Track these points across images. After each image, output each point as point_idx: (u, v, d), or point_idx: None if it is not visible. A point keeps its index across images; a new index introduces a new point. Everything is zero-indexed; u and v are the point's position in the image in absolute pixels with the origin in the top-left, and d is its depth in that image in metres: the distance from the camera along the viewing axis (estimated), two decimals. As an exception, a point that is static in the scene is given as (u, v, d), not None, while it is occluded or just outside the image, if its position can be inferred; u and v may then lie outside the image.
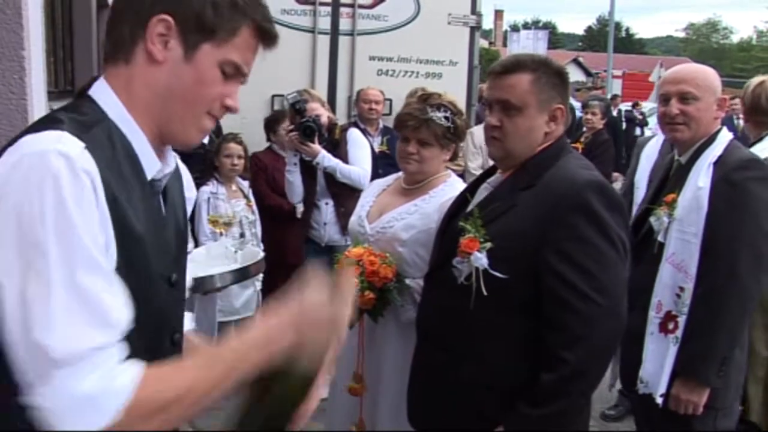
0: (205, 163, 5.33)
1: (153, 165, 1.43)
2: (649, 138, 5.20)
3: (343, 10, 6.99)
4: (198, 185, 5.19)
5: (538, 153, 2.40)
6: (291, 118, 4.81)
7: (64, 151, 1.21)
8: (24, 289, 1.16)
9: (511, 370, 2.32)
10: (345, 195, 4.88)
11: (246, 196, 5.29)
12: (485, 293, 2.26)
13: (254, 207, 5.29)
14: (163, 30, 1.36)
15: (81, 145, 1.25)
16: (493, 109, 2.41)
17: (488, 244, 2.27)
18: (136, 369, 1.21)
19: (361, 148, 5.09)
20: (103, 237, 1.24)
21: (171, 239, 1.52)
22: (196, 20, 1.37)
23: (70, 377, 1.15)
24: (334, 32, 6.97)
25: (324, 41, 6.96)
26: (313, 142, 4.65)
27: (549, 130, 2.40)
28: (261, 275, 5.17)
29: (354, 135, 5.15)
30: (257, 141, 5.85)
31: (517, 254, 2.27)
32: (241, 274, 3.44)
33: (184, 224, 1.65)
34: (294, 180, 4.86)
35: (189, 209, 1.75)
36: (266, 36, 1.45)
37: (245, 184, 5.35)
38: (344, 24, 7.00)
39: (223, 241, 3.78)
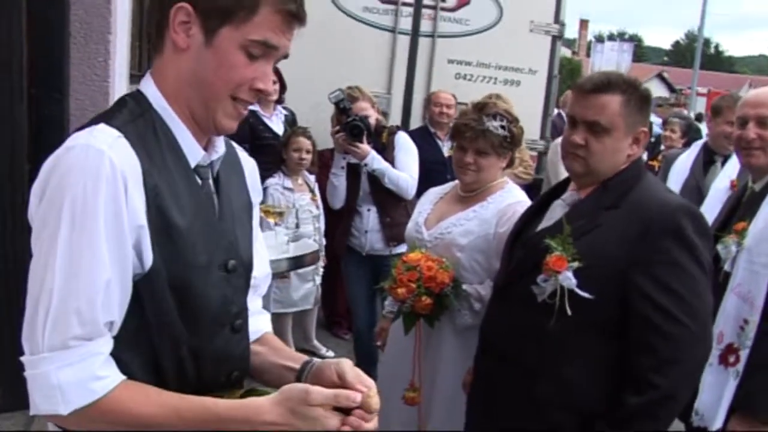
0: (274, 154, 5.40)
1: (196, 153, 1.47)
2: (679, 153, 5.03)
3: (425, 11, 6.96)
4: (266, 176, 5.28)
5: (618, 173, 2.39)
6: (337, 119, 4.63)
7: (93, 144, 1.30)
8: (36, 269, 1.30)
9: (589, 391, 2.30)
10: (390, 203, 4.65)
11: (311, 190, 5.34)
12: (569, 313, 2.25)
13: (319, 201, 5.33)
14: (184, 18, 1.39)
15: (115, 134, 1.33)
16: (578, 126, 2.39)
17: (576, 264, 2.25)
18: (114, 380, 1.32)
19: (410, 154, 4.76)
20: (133, 232, 1.32)
21: (228, 225, 1.54)
22: (214, 4, 1.38)
23: (51, 362, 1.27)
24: (415, 33, 6.95)
25: (404, 41, 6.94)
26: (361, 142, 4.41)
27: (631, 153, 2.40)
28: (321, 270, 5.24)
29: (403, 140, 4.81)
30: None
31: (602, 275, 2.25)
32: (295, 263, 3.45)
33: (247, 209, 1.66)
34: (339, 184, 4.67)
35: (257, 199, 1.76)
36: (288, 12, 1.42)
37: (311, 178, 5.40)
38: (425, 25, 6.98)
39: (277, 231, 3.78)
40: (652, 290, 2.19)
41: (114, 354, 1.34)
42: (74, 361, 1.28)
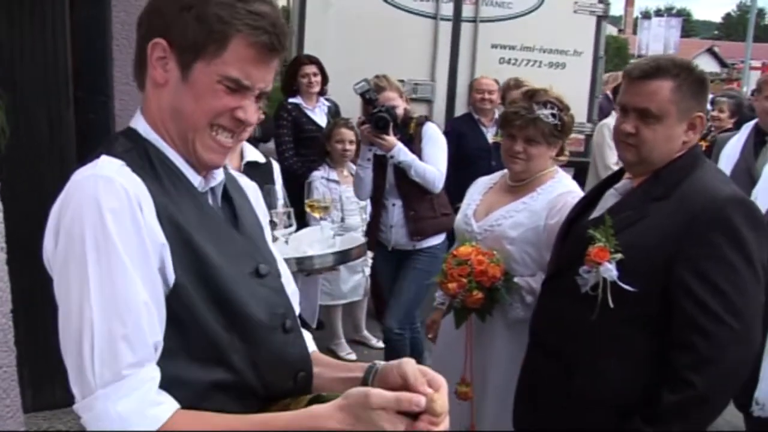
0: (318, 147, 5.40)
1: (194, 178, 1.47)
2: (729, 136, 4.79)
3: (466, -5, 6.90)
4: (311, 169, 5.29)
5: (672, 162, 2.30)
6: (364, 110, 4.46)
7: (100, 173, 1.30)
8: (68, 311, 1.28)
9: (627, 387, 2.24)
10: (415, 196, 4.45)
11: (357, 182, 5.31)
12: (611, 306, 2.19)
13: (365, 192, 5.30)
14: (160, 53, 1.40)
15: (119, 162, 1.34)
16: (629, 114, 2.31)
17: (618, 255, 2.19)
18: (171, 406, 1.30)
19: (437, 146, 4.50)
20: (156, 252, 1.31)
21: (248, 236, 1.55)
22: (185, 39, 1.37)
23: (107, 398, 1.25)
24: (457, 19, 6.89)
25: (446, 28, 6.88)
26: (387, 134, 4.22)
27: (687, 140, 2.30)
28: (370, 261, 5.22)
29: (431, 131, 4.54)
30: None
31: (647, 268, 2.18)
32: (342, 257, 3.43)
33: (260, 229, 1.68)
34: (365, 177, 4.47)
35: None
36: (262, 45, 1.39)
37: (356, 169, 5.38)
38: (467, 11, 6.90)
39: (322, 225, 3.76)
40: (696, 286, 2.10)
41: (173, 376, 1.32)
42: (130, 390, 1.25)
